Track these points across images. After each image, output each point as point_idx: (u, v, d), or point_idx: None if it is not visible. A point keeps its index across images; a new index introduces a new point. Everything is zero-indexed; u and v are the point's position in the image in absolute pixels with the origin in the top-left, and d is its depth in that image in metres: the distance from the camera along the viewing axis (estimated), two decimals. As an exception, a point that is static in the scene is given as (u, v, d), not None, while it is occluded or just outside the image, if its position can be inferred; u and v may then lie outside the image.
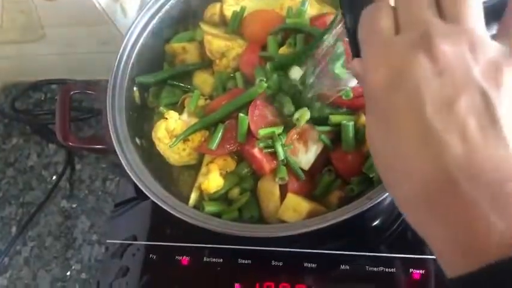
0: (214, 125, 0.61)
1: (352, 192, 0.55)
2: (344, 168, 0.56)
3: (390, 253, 0.58)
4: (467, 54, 0.27)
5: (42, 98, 0.90)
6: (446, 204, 0.26)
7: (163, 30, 0.72)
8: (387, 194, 0.48)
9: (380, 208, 0.60)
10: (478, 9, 0.28)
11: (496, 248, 0.24)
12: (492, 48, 0.27)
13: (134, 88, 0.69)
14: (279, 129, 0.57)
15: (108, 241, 0.68)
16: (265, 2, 0.70)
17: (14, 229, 0.77)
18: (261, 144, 0.56)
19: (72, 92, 0.68)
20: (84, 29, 0.76)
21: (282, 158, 0.56)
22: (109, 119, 0.62)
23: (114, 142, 0.60)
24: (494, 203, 0.24)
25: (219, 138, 0.59)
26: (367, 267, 0.58)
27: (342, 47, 0.52)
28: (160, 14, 0.70)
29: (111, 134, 0.61)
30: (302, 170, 0.57)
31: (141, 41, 0.69)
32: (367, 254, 0.59)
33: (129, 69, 0.67)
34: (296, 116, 0.56)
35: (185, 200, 0.60)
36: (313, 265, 0.59)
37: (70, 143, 0.65)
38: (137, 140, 0.64)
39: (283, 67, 0.60)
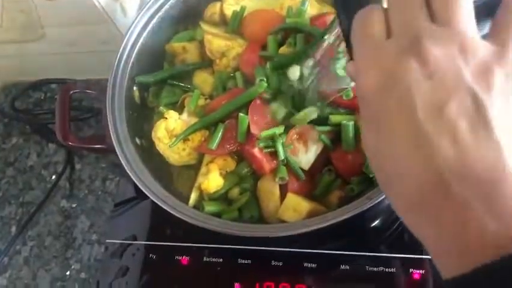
0: (214, 124, 0.61)
1: (352, 192, 0.55)
2: (344, 168, 0.56)
3: (390, 253, 0.58)
4: (458, 56, 0.27)
5: (42, 98, 0.90)
6: (439, 205, 0.26)
7: (163, 29, 0.72)
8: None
9: (380, 208, 0.60)
10: (469, 11, 0.28)
11: (489, 249, 0.24)
12: (483, 50, 0.27)
13: (134, 88, 0.69)
14: (279, 130, 0.57)
15: (108, 241, 0.67)
16: (265, 2, 0.70)
17: (13, 229, 0.77)
18: (261, 144, 0.56)
19: (72, 92, 0.68)
20: (84, 29, 0.76)
21: (283, 157, 0.56)
22: (108, 119, 0.62)
23: (114, 142, 0.60)
24: (486, 204, 0.25)
25: (218, 138, 0.59)
26: (367, 267, 0.58)
27: (342, 46, 0.52)
28: (160, 14, 0.70)
29: (111, 133, 0.61)
30: (302, 169, 0.56)
31: (141, 40, 0.69)
32: (367, 254, 0.59)
33: (129, 68, 0.67)
34: (302, 114, 0.56)
35: (185, 199, 0.60)
36: (313, 265, 0.59)
37: (70, 143, 0.65)
38: (137, 140, 0.64)
39: (283, 67, 0.60)
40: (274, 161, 0.57)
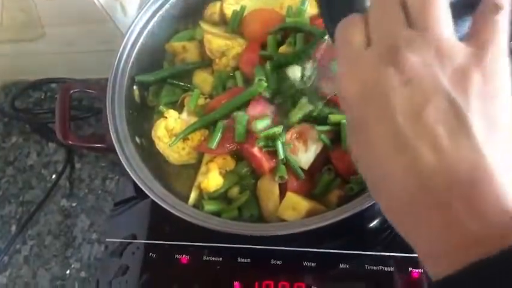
0: (214, 124, 0.61)
1: (351, 191, 0.55)
2: (343, 168, 0.56)
3: (390, 252, 0.58)
4: (435, 62, 0.27)
5: (42, 97, 0.90)
6: (422, 209, 0.26)
7: (163, 29, 0.72)
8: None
9: (379, 207, 0.60)
10: (445, 15, 0.28)
11: (472, 249, 0.24)
12: (460, 53, 0.27)
13: (134, 87, 0.69)
14: (279, 129, 0.57)
15: (108, 240, 0.68)
16: (265, 1, 0.70)
17: (13, 228, 0.77)
18: (261, 143, 0.56)
19: (72, 91, 0.68)
20: (84, 28, 0.76)
21: (282, 157, 0.56)
22: (108, 118, 0.62)
23: (114, 141, 0.60)
24: (467, 204, 0.25)
25: (218, 137, 0.59)
26: (366, 266, 0.58)
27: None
28: (160, 13, 0.71)
29: (111, 132, 0.61)
30: (302, 169, 0.57)
31: (141, 39, 0.69)
32: (366, 253, 0.59)
33: (129, 68, 0.67)
34: (296, 110, 0.56)
35: (185, 198, 0.60)
36: (312, 264, 0.59)
37: (70, 142, 0.65)
38: (137, 139, 0.64)
39: (283, 66, 0.60)
40: (274, 160, 0.57)
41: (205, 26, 0.72)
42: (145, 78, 0.69)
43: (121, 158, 0.59)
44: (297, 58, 0.59)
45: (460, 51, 0.27)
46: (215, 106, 0.62)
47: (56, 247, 0.73)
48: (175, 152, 0.62)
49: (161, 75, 0.70)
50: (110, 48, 0.73)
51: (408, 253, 0.57)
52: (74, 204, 0.77)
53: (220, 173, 0.60)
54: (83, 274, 0.70)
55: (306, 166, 0.57)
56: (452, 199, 0.25)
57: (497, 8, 0.28)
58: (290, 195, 0.56)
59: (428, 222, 0.26)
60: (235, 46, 0.67)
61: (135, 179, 0.57)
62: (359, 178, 0.55)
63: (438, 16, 0.28)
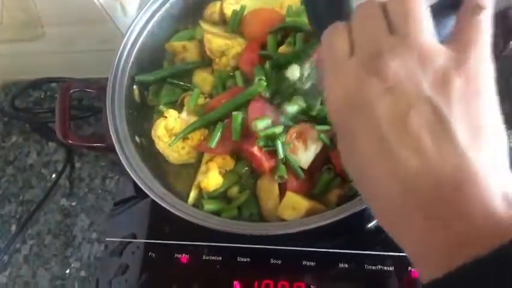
0: (214, 123, 0.61)
1: (351, 190, 0.55)
2: (343, 167, 0.56)
3: (389, 251, 0.58)
4: (417, 67, 0.27)
5: (42, 96, 0.90)
6: (409, 213, 0.27)
7: (163, 28, 0.72)
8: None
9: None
10: (426, 20, 0.28)
11: (459, 250, 0.24)
12: (441, 57, 0.27)
13: (134, 86, 0.69)
14: (279, 128, 0.57)
15: (107, 239, 0.68)
16: (265, 1, 0.70)
17: (13, 227, 0.77)
18: (261, 143, 0.56)
19: (72, 90, 0.68)
20: (84, 28, 0.76)
21: (282, 156, 0.56)
22: (108, 118, 0.62)
23: (114, 140, 0.60)
24: (451, 207, 0.25)
25: (218, 137, 0.59)
26: (366, 265, 0.58)
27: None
28: (160, 13, 0.71)
29: (111, 132, 0.61)
30: (301, 168, 0.57)
31: (141, 39, 0.69)
32: (366, 252, 0.59)
33: (129, 67, 0.67)
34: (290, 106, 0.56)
35: (185, 198, 0.60)
36: (312, 263, 0.59)
37: (70, 141, 0.65)
38: (137, 139, 0.64)
39: (282, 66, 0.60)
40: (274, 160, 0.57)
41: (205, 25, 0.72)
42: (145, 77, 0.69)
43: (120, 157, 0.59)
44: (297, 58, 0.60)
45: (441, 55, 0.28)
46: (215, 106, 0.62)
47: (56, 246, 0.73)
48: (174, 152, 0.62)
49: (161, 74, 0.71)
50: (110, 47, 0.73)
51: (408, 252, 0.57)
52: (74, 204, 0.77)
53: (220, 173, 0.60)
54: (83, 273, 0.70)
55: (305, 166, 0.57)
56: (435, 201, 0.25)
57: (479, 8, 0.28)
58: (290, 195, 0.56)
59: (412, 224, 0.27)
60: (235, 46, 0.67)
61: (135, 179, 0.57)
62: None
63: (419, 21, 0.28)
